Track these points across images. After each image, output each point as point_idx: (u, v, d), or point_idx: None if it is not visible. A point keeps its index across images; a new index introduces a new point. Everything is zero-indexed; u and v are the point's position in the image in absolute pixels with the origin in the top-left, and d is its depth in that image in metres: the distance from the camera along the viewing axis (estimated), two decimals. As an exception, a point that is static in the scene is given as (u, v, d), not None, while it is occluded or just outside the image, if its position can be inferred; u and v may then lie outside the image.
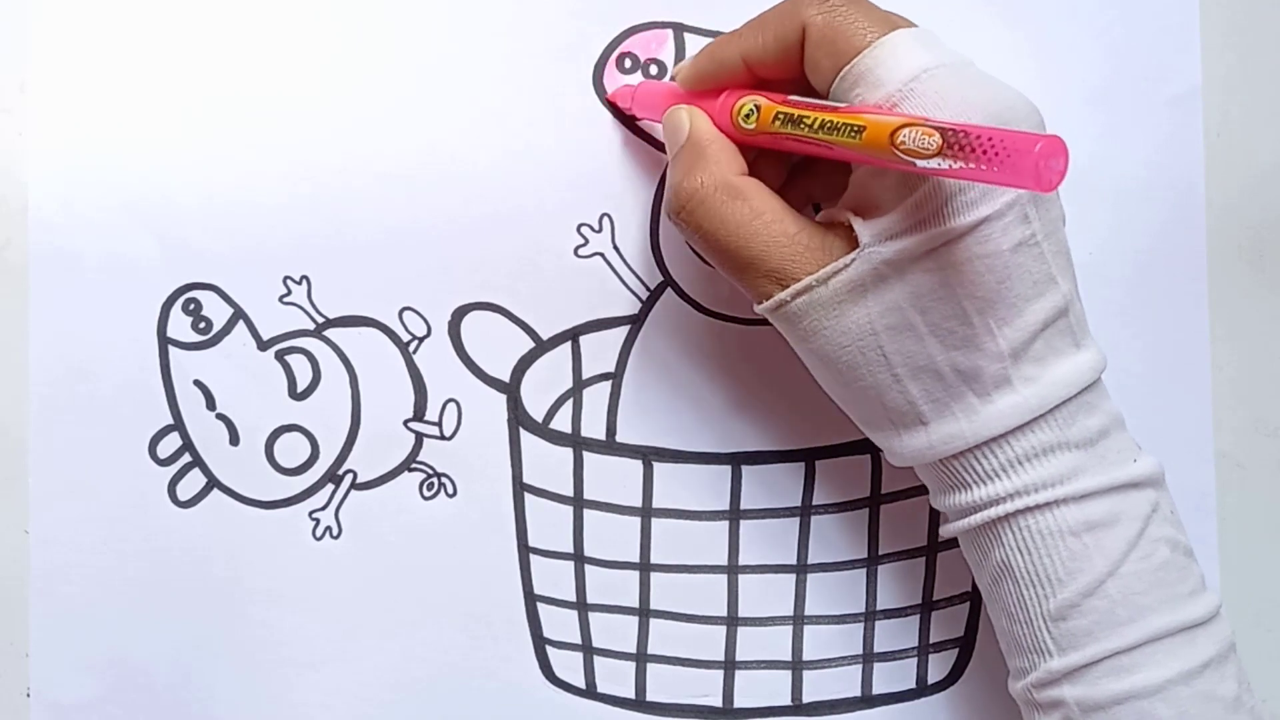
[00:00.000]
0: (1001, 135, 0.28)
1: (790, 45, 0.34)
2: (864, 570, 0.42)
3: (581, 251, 0.41)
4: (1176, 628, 0.34)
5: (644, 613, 0.42)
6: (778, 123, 0.34)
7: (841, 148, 0.32)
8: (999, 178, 0.29)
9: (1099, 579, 0.33)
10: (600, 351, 0.42)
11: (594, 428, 0.42)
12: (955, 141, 0.29)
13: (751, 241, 0.34)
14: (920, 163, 0.30)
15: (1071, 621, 0.34)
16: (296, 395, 0.41)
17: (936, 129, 0.29)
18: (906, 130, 0.30)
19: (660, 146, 0.41)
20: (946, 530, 0.37)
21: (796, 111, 0.33)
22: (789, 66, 0.35)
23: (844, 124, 0.32)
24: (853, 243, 0.33)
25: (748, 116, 0.35)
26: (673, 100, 0.38)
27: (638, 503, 0.42)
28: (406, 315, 0.41)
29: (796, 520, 0.42)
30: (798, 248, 0.34)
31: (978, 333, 0.33)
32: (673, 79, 0.40)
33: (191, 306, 0.41)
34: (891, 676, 0.42)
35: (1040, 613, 0.34)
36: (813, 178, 0.39)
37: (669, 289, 0.42)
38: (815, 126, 0.33)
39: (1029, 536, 0.34)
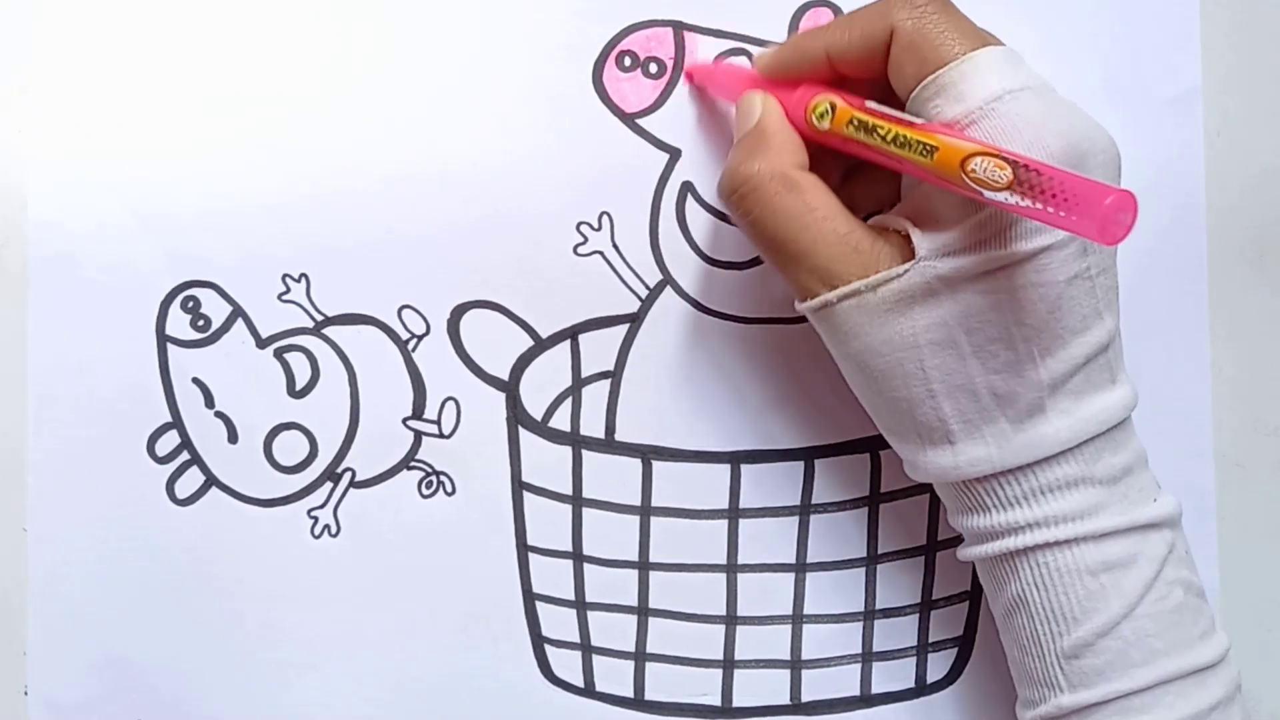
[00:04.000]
0: (1073, 181, 0.28)
1: (876, 46, 0.34)
2: (863, 569, 0.42)
3: (581, 250, 0.41)
4: (1188, 670, 0.34)
5: (643, 611, 0.42)
6: (850, 127, 0.34)
7: (910, 163, 0.32)
8: (1063, 222, 0.28)
9: (1114, 620, 0.33)
10: (599, 350, 0.42)
11: (593, 426, 0.42)
12: (1026, 179, 0.29)
13: (801, 235, 0.34)
14: (988, 193, 0.30)
15: (1084, 660, 0.34)
16: (295, 393, 0.41)
17: (1009, 163, 0.29)
18: (979, 159, 0.30)
19: (660, 146, 0.41)
20: (964, 555, 0.36)
21: (871, 120, 0.33)
22: (871, 67, 0.35)
23: (917, 141, 0.32)
24: (904, 251, 0.33)
25: (822, 115, 0.35)
26: (750, 85, 0.38)
27: (637, 501, 0.42)
28: (405, 313, 0.41)
29: (796, 519, 0.42)
30: (846, 248, 0.34)
31: (1021, 359, 0.33)
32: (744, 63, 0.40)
33: (190, 304, 0.41)
34: (891, 676, 0.42)
35: (1054, 649, 0.34)
36: (862, 184, 0.39)
37: (668, 287, 0.42)
38: (887, 138, 0.33)
39: (1047, 573, 0.34)
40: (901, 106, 0.34)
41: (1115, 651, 0.34)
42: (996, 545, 0.35)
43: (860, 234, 0.34)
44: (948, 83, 0.33)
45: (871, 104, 0.34)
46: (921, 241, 0.33)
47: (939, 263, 0.33)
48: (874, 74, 0.35)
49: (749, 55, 0.41)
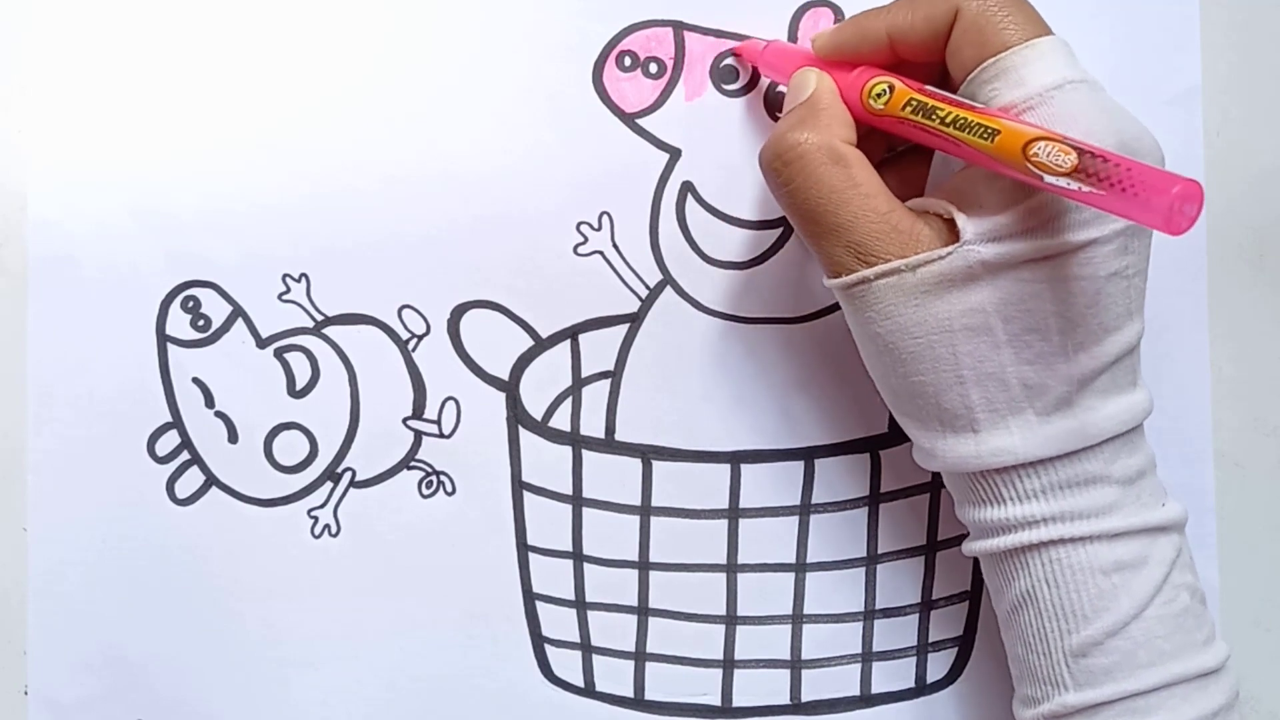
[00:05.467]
0: (1140, 169, 0.28)
1: (938, 28, 0.34)
2: (863, 569, 0.42)
3: (581, 250, 0.41)
4: (1193, 674, 0.34)
5: (643, 611, 0.42)
6: (908, 109, 0.34)
7: (969, 147, 0.32)
8: (1127, 209, 0.28)
9: (1124, 620, 0.34)
10: (599, 350, 0.42)
11: (593, 426, 0.42)
12: (1090, 166, 0.29)
13: (841, 210, 0.34)
14: (1049, 178, 0.29)
15: (1092, 659, 0.34)
16: (295, 393, 0.41)
17: (1074, 148, 0.29)
18: (1042, 144, 0.30)
19: (660, 146, 0.41)
20: (970, 549, 0.36)
21: (931, 102, 0.33)
22: (932, 49, 0.35)
23: (978, 124, 0.32)
24: (943, 235, 0.33)
25: (879, 96, 0.35)
26: (805, 64, 0.38)
27: (637, 501, 0.42)
28: (406, 313, 0.41)
29: (795, 519, 0.42)
30: (885, 227, 0.34)
31: (1054, 352, 0.33)
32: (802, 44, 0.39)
33: (190, 304, 0.41)
34: (890, 676, 0.42)
35: (1061, 646, 0.34)
36: (891, 177, 0.38)
37: (668, 287, 0.42)
38: (947, 120, 0.32)
39: (1059, 570, 0.34)
40: (954, 90, 0.34)
41: (1123, 652, 0.34)
42: (1009, 539, 0.34)
43: (900, 214, 0.34)
44: (1009, 67, 0.33)
45: (930, 88, 0.34)
46: (967, 225, 0.33)
47: (983, 247, 0.32)
48: (933, 56, 0.35)
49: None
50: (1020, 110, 0.32)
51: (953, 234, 0.33)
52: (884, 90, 0.35)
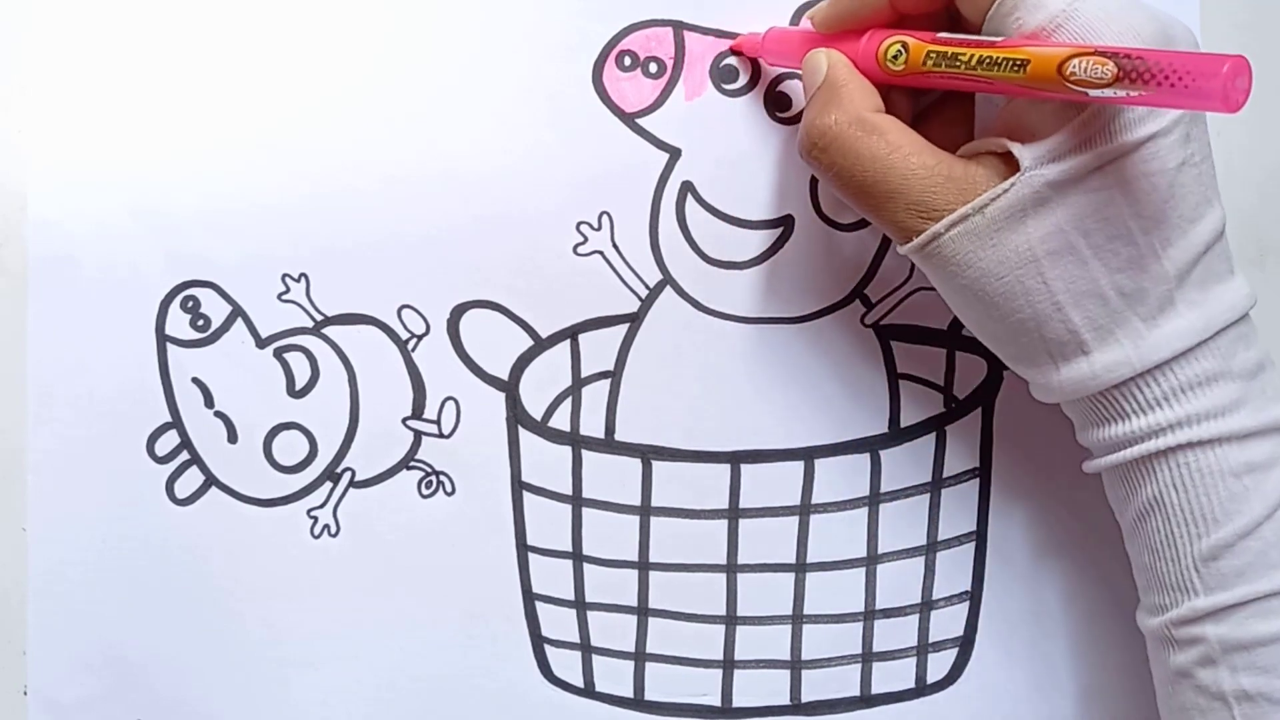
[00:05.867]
0: (1183, 59, 0.28)
1: None
2: (863, 569, 0.42)
3: (580, 250, 0.41)
4: None
5: (643, 611, 0.42)
6: (929, 61, 0.33)
7: (1003, 82, 0.31)
8: (1181, 101, 0.28)
9: (1256, 521, 0.33)
10: (599, 350, 0.42)
11: (593, 426, 0.42)
12: (1131, 69, 0.28)
13: (889, 175, 0.34)
14: (1093, 93, 0.29)
15: (1223, 561, 0.33)
16: (295, 393, 0.41)
17: (1109, 57, 0.29)
18: (1076, 60, 0.29)
19: (660, 145, 0.41)
20: (1091, 466, 0.36)
21: (951, 49, 0.33)
22: (933, 0, 0.35)
23: (1005, 59, 0.31)
24: (1000, 171, 0.33)
25: (895, 57, 0.34)
26: (808, 45, 0.37)
27: (636, 501, 0.42)
28: (405, 313, 0.41)
29: (795, 519, 0.42)
30: (938, 179, 0.33)
31: (1143, 253, 0.33)
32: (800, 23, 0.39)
33: (190, 304, 0.41)
34: (890, 676, 0.42)
35: (1190, 551, 0.34)
36: (935, 127, 0.38)
37: (668, 287, 0.42)
38: (972, 63, 0.32)
39: (1188, 474, 0.33)
40: (974, 32, 0.34)
41: (1256, 553, 0.33)
42: (1135, 450, 0.34)
43: (950, 163, 0.34)
44: None
45: (943, 35, 0.34)
46: (1024, 153, 0.32)
47: (1045, 170, 0.32)
48: (936, 7, 0.35)
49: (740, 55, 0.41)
50: (1048, 32, 0.32)
51: (1011, 168, 0.33)
52: (899, 50, 0.34)
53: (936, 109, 0.39)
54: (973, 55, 0.32)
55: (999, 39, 0.32)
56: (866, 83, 0.35)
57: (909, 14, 0.36)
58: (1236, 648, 0.33)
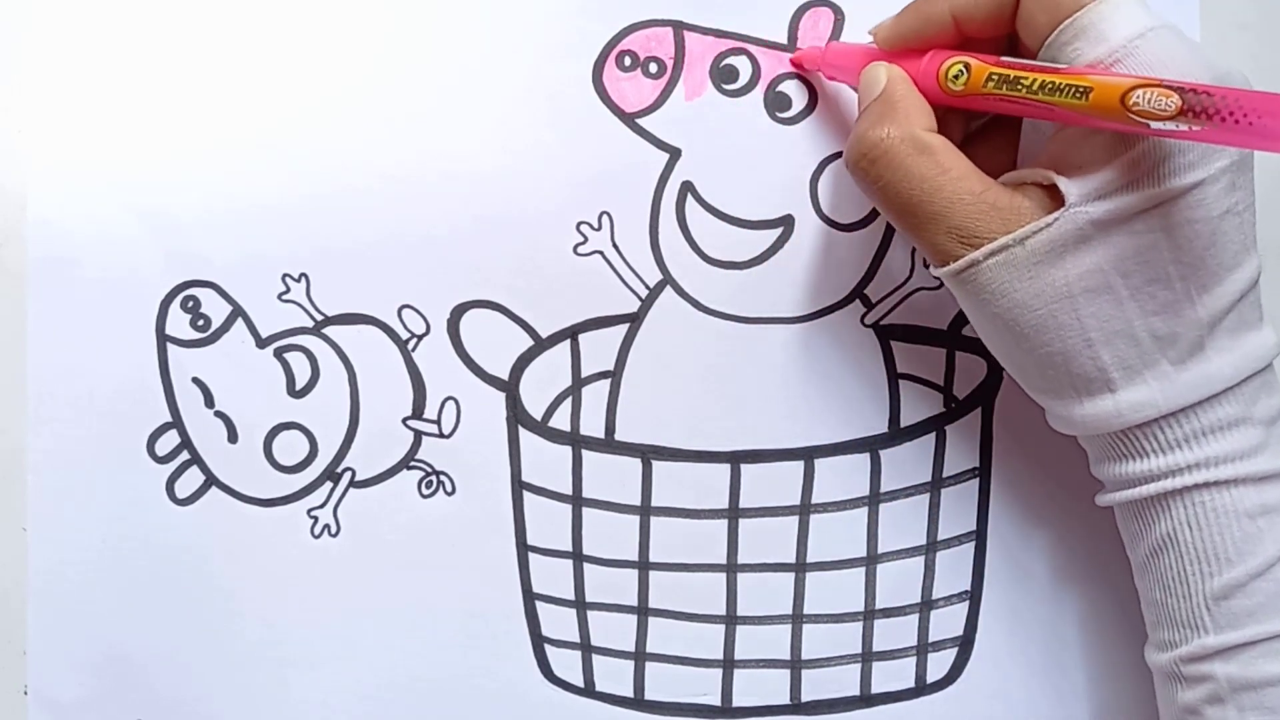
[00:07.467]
0: (1248, 96, 0.28)
1: (1004, 0, 0.34)
2: (863, 569, 0.42)
3: (581, 250, 0.41)
4: None
5: (643, 611, 0.42)
6: (991, 84, 0.33)
7: (1063, 109, 0.31)
8: (1243, 139, 0.28)
9: (1269, 562, 0.33)
10: (599, 350, 0.42)
11: (593, 426, 0.42)
12: (1196, 103, 0.28)
13: (935, 197, 0.34)
14: (1155, 124, 0.29)
15: (1234, 601, 0.33)
16: (295, 393, 0.41)
17: (1174, 90, 0.29)
18: (1141, 91, 0.29)
19: (660, 145, 0.41)
20: (1105, 500, 0.36)
21: (1013, 73, 0.33)
22: (999, 23, 0.35)
23: (1068, 85, 0.31)
24: (1044, 204, 0.33)
25: (956, 78, 0.34)
26: (869, 60, 0.37)
27: (636, 501, 0.42)
28: (405, 313, 0.41)
29: (795, 519, 0.42)
30: (983, 206, 0.33)
31: (1179, 298, 0.33)
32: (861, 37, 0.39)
33: (190, 304, 0.41)
34: (890, 676, 0.42)
35: (1202, 589, 0.34)
36: (981, 146, 0.38)
37: (668, 287, 0.42)
38: (1034, 87, 0.32)
39: (1204, 513, 0.34)
40: (1030, 58, 0.34)
41: (1267, 594, 0.33)
42: (1152, 487, 0.34)
43: (996, 191, 0.34)
44: (1087, 24, 0.32)
45: (1007, 58, 0.34)
46: (1070, 187, 0.32)
47: (1090, 207, 0.32)
48: (1000, 29, 0.35)
49: (749, 54, 0.41)
50: (1107, 65, 0.32)
51: (1054, 201, 0.33)
52: (960, 70, 0.34)
53: (981, 134, 0.39)
54: (1035, 80, 0.32)
55: (1062, 66, 0.32)
56: (923, 101, 0.35)
57: (974, 37, 0.36)
58: (1245, 687, 0.33)
